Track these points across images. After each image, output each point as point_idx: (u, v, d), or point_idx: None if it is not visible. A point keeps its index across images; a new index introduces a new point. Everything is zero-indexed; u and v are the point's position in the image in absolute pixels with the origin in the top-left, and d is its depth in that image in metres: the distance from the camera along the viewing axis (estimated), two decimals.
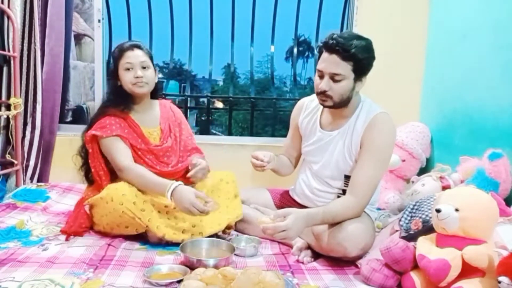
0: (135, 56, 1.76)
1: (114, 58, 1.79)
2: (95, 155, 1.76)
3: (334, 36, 1.52)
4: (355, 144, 1.61)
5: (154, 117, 1.89)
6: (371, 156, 1.56)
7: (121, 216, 1.61)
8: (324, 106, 1.64)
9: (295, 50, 3.94)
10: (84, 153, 1.81)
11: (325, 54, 1.55)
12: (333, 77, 1.54)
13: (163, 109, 1.93)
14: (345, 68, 1.52)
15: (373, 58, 1.58)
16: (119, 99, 1.79)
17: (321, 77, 1.57)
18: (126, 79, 1.76)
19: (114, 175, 1.78)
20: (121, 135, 1.74)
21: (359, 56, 1.51)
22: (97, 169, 1.77)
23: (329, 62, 1.53)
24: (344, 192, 1.67)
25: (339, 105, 1.61)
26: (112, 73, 1.81)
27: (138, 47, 1.79)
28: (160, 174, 1.74)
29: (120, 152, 1.72)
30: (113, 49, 1.85)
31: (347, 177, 1.66)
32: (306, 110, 1.81)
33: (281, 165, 1.85)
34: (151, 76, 1.80)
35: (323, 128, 1.72)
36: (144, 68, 1.77)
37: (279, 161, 1.82)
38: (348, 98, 1.60)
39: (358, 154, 1.61)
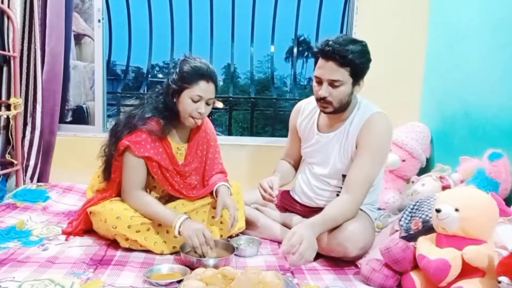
0: (208, 91, 1.61)
1: (184, 79, 1.59)
2: (120, 160, 1.66)
3: (330, 42, 1.51)
4: (351, 144, 1.62)
5: (185, 133, 1.77)
6: (365, 154, 1.57)
7: (113, 237, 1.60)
8: (326, 113, 1.65)
9: (295, 50, 3.95)
10: (109, 153, 1.70)
11: (321, 61, 1.55)
12: (332, 83, 1.54)
13: (195, 129, 1.80)
14: (343, 74, 1.53)
15: (369, 60, 1.58)
16: (169, 117, 1.65)
17: (319, 83, 1.58)
18: (188, 108, 1.60)
19: None
20: (152, 157, 1.62)
21: (356, 61, 1.51)
22: (116, 175, 1.69)
23: (327, 69, 1.53)
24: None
25: (339, 110, 1.62)
26: (173, 90, 1.62)
27: (214, 81, 1.64)
28: (184, 197, 1.72)
29: (133, 176, 1.63)
30: (183, 60, 1.63)
31: (344, 176, 1.66)
32: (304, 113, 1.82)
33: (285, 177, 1.85)
34: (209, 111, 1.67)
35: (320, 130, 1.73)
36: (208, 104, 1.65)
37: (283, 176, 1.81)
38: (348, 103, 1.61)
39: (355, 154, 1.61)
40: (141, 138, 1.61)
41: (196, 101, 1.61)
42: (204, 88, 1.60)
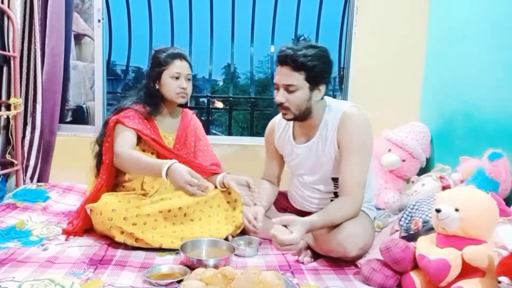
0: (184, 67, 1.81)
1: (160, 63, 1.79)
2: (110, 140, 1.75)
3: (283, 48, 1.53)
4: (333, 146, 1.61)
5: (174, 123, 1.91)
6: (351, 153, 1.55)
7: (109, 230, 1.60)
8: (287, 120, 1.64)
9: None
10: (101, 141, 1.81)
11: (278, 67, 1.57)
12: (287, 88, 1.55)
13: (184, 118, 1.95)
14: (297, 79, 1.53)
15: (326, 65, 1.56)
16: (152, 102, 1.81)
17: (278, 89, 1.59)
18: (171, 87, 1.79)
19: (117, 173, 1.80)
20: (141, 131, 1.75)
21: (309, 65, 1.51)
22: (107, 156, 1.75)
23: (282, 74, 1.55)
24: (335, 194, 1.68)
25: (301, 117, 1.61)
26: (152, 76, 1.81)
27: (186, 58, 1.83)
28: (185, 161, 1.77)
29: (123, 139, 1.71)
30: (155, 51, 1.85)
31: (334, 179, 1.66)
32: (279, 130, 1.82)
33: (271, 201, 1.87)
34: (191, 89, 1.86)
35: (297, 142, 1.73)
36: (188, 80, 1.82)
37: (268, 202, 1.82)
38: (308, 109, 1.59)
39: (339, 154, 1.60)
40: (129, 114, 1.76)
41: (177, 78, 1.79)
42: (179, 65, 1.80)
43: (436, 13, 2.51)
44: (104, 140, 1.77)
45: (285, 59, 1.52)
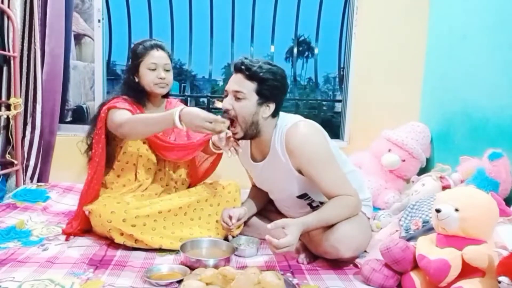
0: (160, 57, 1.77)
1: (136, 55, 1.77)
2: (101, 130, 1.71)
3: (241, 57, 1.54)
4: (287, 166, 1.56)
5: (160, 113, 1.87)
6: (314, 168, 1.51)
7: (109, 232, 1.59)
8: (236, 139, 1.60)
9: (295, 50, 3.95)
10: (90, 138, 1.78)
11: (232, 75, 1.56)
12: (236, 95, 1.52)
13: (169, 106, 1.92)
14: (247, 87, 1.51)
15: (279, 83, 1.53)
16: (135, 95, 1.79)
17: (226, 96, 1.57)
18: (149, 78, 1.76)
19: (108, 163, 1.77)
20: (133, 112, 1.71)
21: (262, 76, 1.49)
22: (97, 146, 1.71)
23: (234, 81, 1.54)
24: (311, 205, 1.66)
25: (249, 134, 1.57)
26: (131, 69, 1.80)
27: (163, 48, 1.80)
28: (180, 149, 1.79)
29: (121, 114, 1.66)
30: (134, 44, 1.84)
31: (300, 196, 1.64)
32: (241, 147, 1.73)
33: (256, 206, 1.82)
34: (171, 79, 1.82)
35: (254, 161, 1.71)
36: (166, 70, 1.79)
37: (251, 206, 1.79)
38: (255, 124, 1.55)
39: (302, 178, 1.56)
40: (119, 100, 1.73)
41: (154, 69, 1.76)
42: (156, 55, 1.76)
43: (436, 13, 2.51)
44: (94, 133, 1.72)
45: (240, 66, 1.51)
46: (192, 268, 1.39)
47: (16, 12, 2.32)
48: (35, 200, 2.11)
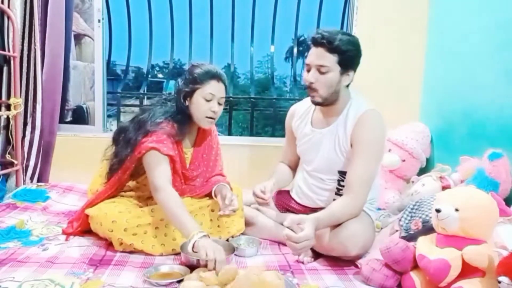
0: (220, 90, 1.66)
1: (195, 80, 1.64)
2: (133, 163, 1.66)
3: (320, 30, 1.58)
4: (345, 141, 1.64)
5: (192, 138, 1.79)
6: (362, 153, 1.58)
7: (109, 239, 1.59)
8: (314, 103, 1.67)
9: (295, 50, 3.95)
10: (118, 154, 1.69)
11: (312, 48, 1.60)
12: (319, 69, 1.58)
13: (204, 131, 1.82)
14: (330, 60, 1.56)
15: (358, 52, 1.61)
16: (183, 122, 1.68)
17: (309, 71, 1.61)
18: (202, 109, 1.65)
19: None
20: (174, 157, 1.64)
21: (343, 48, 1.55)
22: (124, 172, 1.69)
23: (315, 55, 1.58)
24: (340, 186, 1.69)
25: (328, 101, 1.64)
26: (185, 93, 1.66)
27: (224, 80, 1.69)
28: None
29: (163, 172, 1.59)
30: (192, 65, 1.71)
31: (341, 172, 1.68)
32: (298, 114, 1.84)
33: (283, 180, 1.88)
34: (220, 114, 1.71)
35: (314, 127, 1.75)
36: (219, 104, 1.68)
37: (279, 179, 1.83)
38: (336, 93, 1.62)
39: (350, 152, 1.63)
40: (163, 138, 1.62)
41: (209, 100, 1.64)
42: (215, 87, 1.65)
43: (436, 13, 2.51)
44: (130, 157, 1.64)
45: (321, 40, 1.55)
46: (192, 268, 1.39)
47: (16, 12, 2.32)
48: (35, 200, 2.11)
